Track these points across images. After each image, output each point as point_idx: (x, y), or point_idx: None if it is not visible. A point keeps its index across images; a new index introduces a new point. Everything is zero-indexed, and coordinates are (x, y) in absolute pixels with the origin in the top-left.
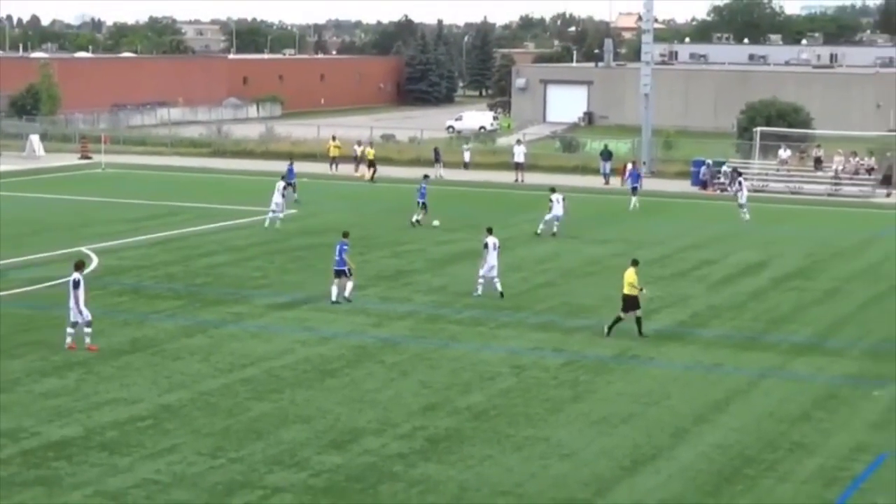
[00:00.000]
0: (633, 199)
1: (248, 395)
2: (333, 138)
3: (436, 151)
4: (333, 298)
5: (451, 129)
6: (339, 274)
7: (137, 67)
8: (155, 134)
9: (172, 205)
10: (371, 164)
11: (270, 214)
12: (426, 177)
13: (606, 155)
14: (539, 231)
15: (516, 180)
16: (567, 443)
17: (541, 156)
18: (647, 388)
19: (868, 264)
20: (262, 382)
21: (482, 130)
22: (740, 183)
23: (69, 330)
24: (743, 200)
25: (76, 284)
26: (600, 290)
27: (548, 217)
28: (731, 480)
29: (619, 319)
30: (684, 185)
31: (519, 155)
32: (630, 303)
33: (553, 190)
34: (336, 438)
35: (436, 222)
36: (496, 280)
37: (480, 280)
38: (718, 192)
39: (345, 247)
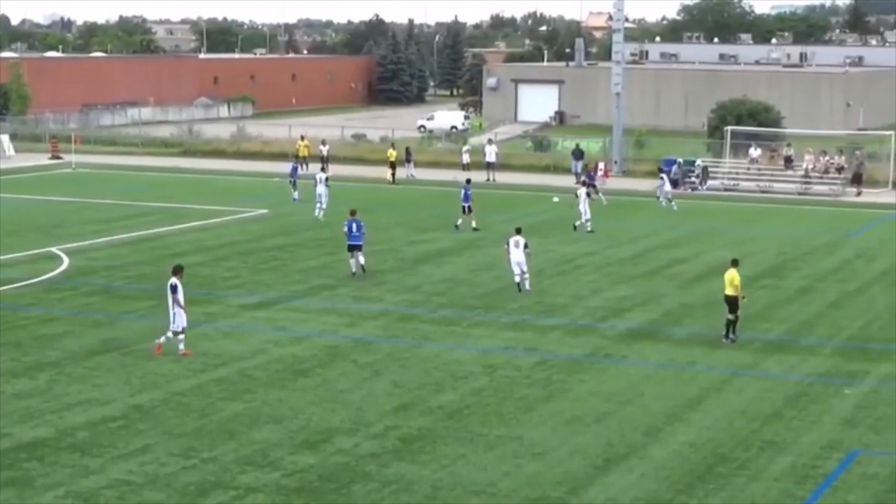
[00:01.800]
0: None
1: (220, 396)
2: (302, 138)
3: (407, 151)
4: (353, 269)
5: (422, 129)
6: (353, 248)
7: (108, 67)
8: (125, 134)
9: (143, 205)
10: (392, 165)
11: (318, 206)
12: (469, 181)
13: (578, 154)
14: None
15: (487, 179)
16: (540, 442)
17: (512, 155)
18: (620, 387)
19: (839, 262)
20: (235, 382)
21: (454, 130)
22: (662, 179)
23: (181, 336)
24: (668, 194)
25: (174, 289)
26: (572, 289)
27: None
28: (703, 478)
29: (730, 322)
30: (655, 184)
31: (490, 154)
32: (732, 304)
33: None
34: (309, 438)
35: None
36: (526, 277)
37: (516, 279)
38: (689, 190)
39: (361, 223)
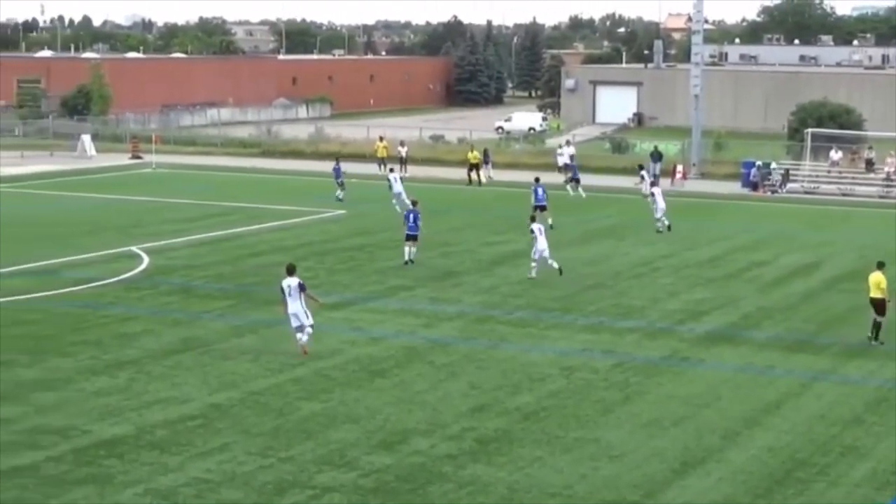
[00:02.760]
0: (572, 186)
1: (297, 395)
2: (381, 139)
3: (485, 152)
4: (406, 258)
5: (500, 130)
6: (411, 238)
7: (188, 68)
8: (205, 134)
9: (222, 205)
10: (475, 166)
11: (395, 202)
12: (538, 179)
13: (656, 156)
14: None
15: (565, 181)
16: (617, 444)
17: (590, 157)
18: (698, 390)
19: None
20: (312, 382)
21: (531, 131)
22: (643, 177)
23: (298, 335)
24: (647, 191)
25: (302, 287)
26: (650, 291)
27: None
28: (782, 483)
29: (877, 324)
30: (734, 187)
31: (568, 156)
32: (879, 307)
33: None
34: (385, 439)
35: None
36: (550, 260)
37: (533, 263)
38: (769, 193)
39: (418, 214)
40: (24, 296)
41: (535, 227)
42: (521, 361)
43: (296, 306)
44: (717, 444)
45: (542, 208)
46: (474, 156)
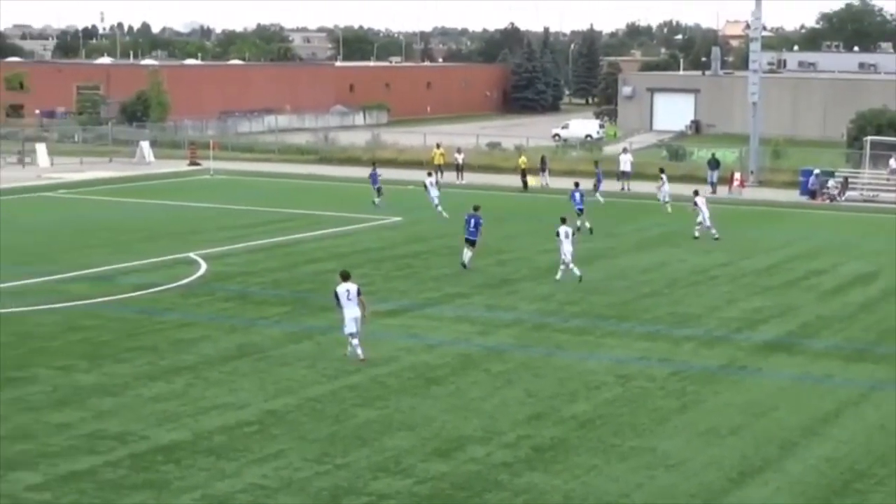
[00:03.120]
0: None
1: (353, 402)
2: (438, 146)
3: (542, 160)
4: (464, 261)
5: (557, 138)
6: (469, 243)
7: (246, 75)
8: (262, 141)
9: (279, 211)
10: (526, 171)
11: (437, 207)
12: (577, 184)
13: (714, 164)
14: (558, 277)
15: (622, 189)
16: (674, 453)
17: (647, 164)
18: (755, 399)
19: None
20: (368, 389)
21: (588, 139)
22: (663, 181)
23: (354, 341)
24: (667, 195)
25: (357, 293)
26: (707, 299)
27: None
28: (840, 494)
29: None
30: (792, 195)
31: (625, 163)
32: None
33: (563, 221)
34: (441, 446)
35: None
36: (572, 265)
37: (562, 267)
38: (827, 201)
39: (480, 220)
40: (83, 301)
41: (562, 230)
42: (577, 369)
43: (355, 311)
44: (774, 453)
45: (580, 212)
46: (523, 161)
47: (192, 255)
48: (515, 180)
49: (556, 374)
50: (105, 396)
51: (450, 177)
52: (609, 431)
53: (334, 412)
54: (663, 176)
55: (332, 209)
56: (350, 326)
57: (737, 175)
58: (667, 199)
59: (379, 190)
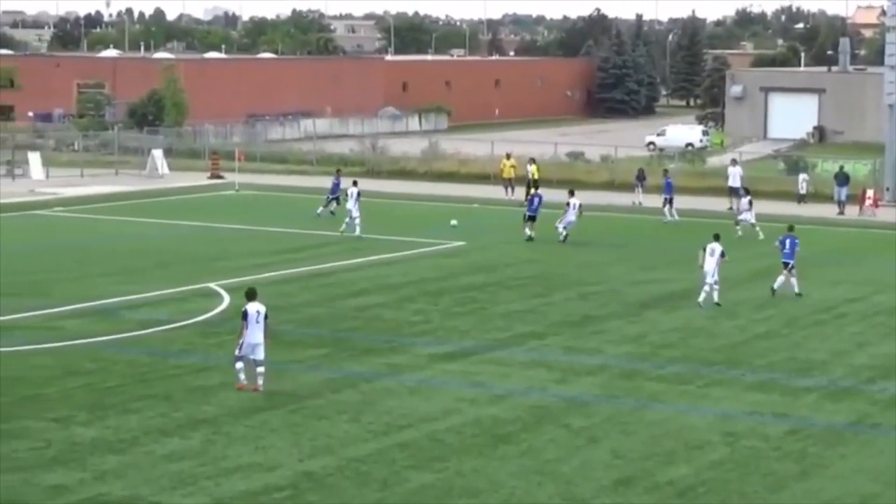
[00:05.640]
0: (669, 210)
1: (405, 463)
2: (508, 157)
3: (640, 172)
4: (776, 286)
5: (651, 147)
6: (787, 266)
7: (278, 71)
8: (298, 149)
9: (316, 234)
10: (510, 181)
11: (348, 221)
12: (572, 192)
13: (842, 179)
14: (562, 238)
15: (730, 208)
16: None
17: (761, 179)
18: (889, 464)
19: None
20: (423, 448)
21: (689, 148)
22: (750, 203)
23: (246, 369)
24: (746, 218)
25: (265, 317)
26: (832, 342)
27: (560, 225)
28: None
29: None
30: (740, 205)
31: (734, 178)
32: None
33: (572, 193)
34: None
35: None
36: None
37: (706, 288)
38: None
39: (796, 241)
40: (82, 340)
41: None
42: (675, 425)
43: (259, 336)
44: None
45: (532, 218)
46: (510, 165)
47: (212, 285)
48: (602, 196)
49: (648, 430)
50: (108, 454)
51: (520, 193)
52: (714, 500)
53: (382, 476)
54: (749, 198)
55: (379, 231)
56: (247, 351)
57: (869, 192)
58: (754, 223)
59: (335, 200)
